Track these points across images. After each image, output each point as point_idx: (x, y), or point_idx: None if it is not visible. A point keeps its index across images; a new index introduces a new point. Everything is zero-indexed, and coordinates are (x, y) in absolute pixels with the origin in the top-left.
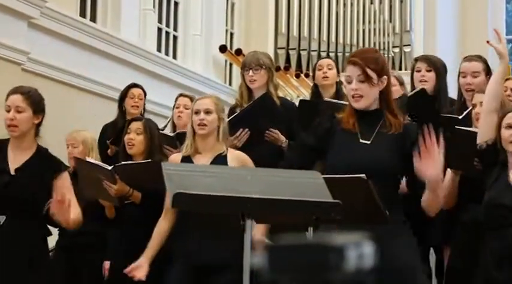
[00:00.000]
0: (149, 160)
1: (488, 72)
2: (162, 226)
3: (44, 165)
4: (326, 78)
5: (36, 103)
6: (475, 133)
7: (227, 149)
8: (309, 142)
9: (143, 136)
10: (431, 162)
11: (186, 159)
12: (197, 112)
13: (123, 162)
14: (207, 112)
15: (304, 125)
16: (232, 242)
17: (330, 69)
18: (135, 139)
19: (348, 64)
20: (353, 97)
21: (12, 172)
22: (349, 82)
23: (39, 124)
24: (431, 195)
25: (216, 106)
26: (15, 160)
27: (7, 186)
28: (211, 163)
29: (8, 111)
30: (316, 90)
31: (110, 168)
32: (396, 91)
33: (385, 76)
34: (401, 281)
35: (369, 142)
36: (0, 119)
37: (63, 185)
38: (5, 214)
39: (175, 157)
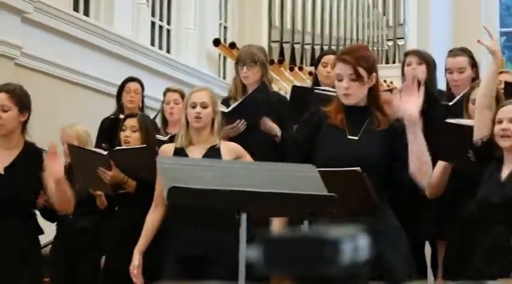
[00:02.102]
0: (144, 145)
1: (473, 65)
2: (152, 220)
3: (33, 160)
4: (329, 78)
5: (21, 101)
6: (467, 126)
7: (220, 141)
8: (301, 139)
9: (139, 133)
10: (411, 99)
11: (179, 151)
12: (193, 106)
13: (117, 147)
14: (203, 106)
15: (295, 110)
16: (225, 233)
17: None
18: (130, 136)
19: (338, 61)
20: (343, 94)
21: (1, 171)
22: (340, 80)
23: (25, 122)
24: (412, 137)
25: (211, 99)
26: (4, 159)
27: None
28: (205, 155)
29: None
30: (316, 81)
31: (105, 153)
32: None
33: (374, 74)
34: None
35: (356, 138)
36: None
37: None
38: None
39: (167, 147)
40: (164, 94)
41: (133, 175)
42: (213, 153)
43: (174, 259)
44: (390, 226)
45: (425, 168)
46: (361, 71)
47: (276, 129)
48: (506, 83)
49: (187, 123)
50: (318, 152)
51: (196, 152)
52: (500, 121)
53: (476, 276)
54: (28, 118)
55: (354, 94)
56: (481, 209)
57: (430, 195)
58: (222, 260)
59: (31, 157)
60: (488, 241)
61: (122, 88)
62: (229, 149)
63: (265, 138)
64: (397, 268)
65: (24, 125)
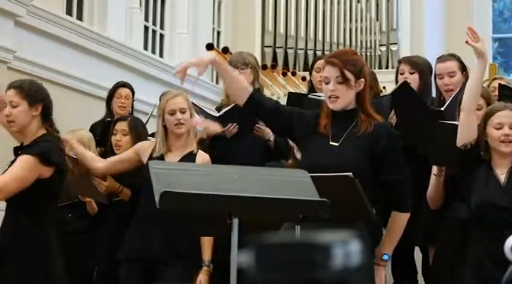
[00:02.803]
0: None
1: (463, 69)
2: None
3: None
4: (321, 83)
5: (30, 95)
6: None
7: (197, 149)
8: (288, 110)
9: (129, 136)
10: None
11: (158, 159)
12: (172, 113)
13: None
14: (182, 111)
15: None
16: (182, 237)
17: None
18: (121, 140)
19: (326, 64)
20: (329, 98)
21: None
22: (327, 83)
23: (44, 114)
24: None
25: (188, 103)
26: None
27: None
28: (180, 160)
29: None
30: (311, 86)
31: None
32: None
33: (362, 79)
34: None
35: (337, 144)
36: None
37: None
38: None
39: (146, 143)
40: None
41: (128, 184)
42: (189, 159)
43: (131, 263)
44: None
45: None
46: (348, 74)
47: (268, 134)
48: (501, 85)
49: (165, 130)
50: (302, 158)
51: (173, 158)
52: (500, 127)
53: (470, 281)
54: (43, 110)
55: (341, 97)
56: (483, 213)
57: (432, 207)
58: (180, 264)
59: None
60: (484, 245)
61: (112, 93)
62: (203, 160)
63: (258, 143)
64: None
65: (44, 118)
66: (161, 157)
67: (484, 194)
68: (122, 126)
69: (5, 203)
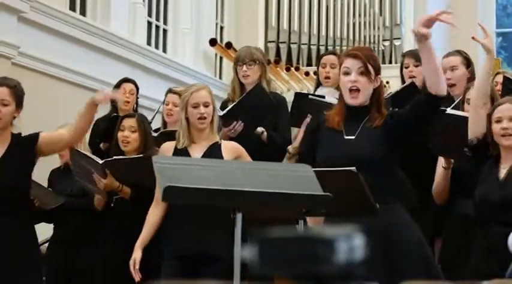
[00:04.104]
0: (140, 155)
1: (468, 64)
2: (154, 215)
3: (23, 149)
4: (327, 80)
5: (19, 98)
6: (464, 118)
7: (221, 139)
8: (306, 150)
9: (138, 133)
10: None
11: (181, 151)
12: (196, 106)
13: (114, 157)
14: (206, 105)
15: (293, 118)
16: (222, 233)
17: (332, 68)
18: (129, 136)
19: (347, 57)
20: (350, 90)
21: None
22: (347, 74)
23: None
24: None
25: (211, 96)
26: None
27: None
28: (206, 152)
29: None
30: (319, 83)
31: (100, 162)
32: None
33: (380, 76)
34: (410, 254)
35: (353, 137)
36: None
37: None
38: None
39: (168, 145)
40: (166, 94)
41: (129, 183)
42: (214, 150)
43: (172, 257)
44: (399, 226)
45: (442, 80)
46: (370, 67)
47: (259, 130)
48: (506, 78)
49: (188, 123)
50: (318, 155)
51: (197, 150)
52: (500, 120)
53: (473, 275)
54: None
55: (362, 90)
56: (479, 208)
57: (437, 200)
58: (219, 260)
59: (21, 147)
60: (485, 241)
61: (117, 88)
62: (229, 147)
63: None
64: (409, 269)
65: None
66: (185, 150)
67: (480, 189)
68: (130, 122)
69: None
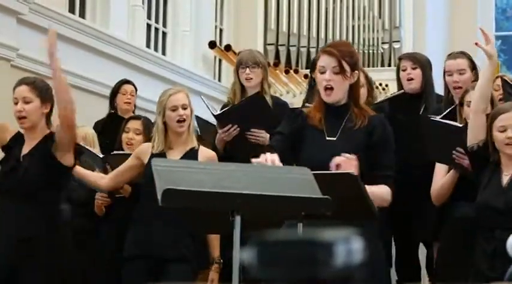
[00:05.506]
0: None
1: (473, 67)
2: (98, 176)
3: (46, 143)
4: None
5: (43, 92)
6: (454, 126)
7: (199, 144)
8: (287, 131)
9: (142, 136)
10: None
11: (159, 156)
12: (174, 109)
13: (115, 151)
14: (184, 107)
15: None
16: (183, 233)
17: None
18: (134, 138)
19: (322, 54)
20: (325, 89)
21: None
22: (323, 73)
23: (49, 114)
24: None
25: (188, 99)
26: (26, 149)
27: (12, 170)
28: (183, 157)
29: (16, 104)
30: (312, 84)
31: (101, 156)
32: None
33: (356, 72)
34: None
35: (334, 139)
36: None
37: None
38: (12, 199)
39: (145, 146)
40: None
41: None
42: (191, 155)
43: (136, 261)
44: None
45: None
46: (345, 64)
47: (265, 139)
48: (505, 81)
49: (165, 126)
50: (300, 155)
51: (174, 156)
52: (504, 130)
53: (475, 280)
54: (51, 110)
55: (336, 88)
56: (482, 214)
57: (436, 201)
58: (183, 260)
59: (47, 144)
60: (489, 246)
61: (117, 90)
62: (206, 156)
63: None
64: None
65: (48, 117)
66: (162, 154)
67: (483, 195)
68: (135, 124)
69: (25, 196)
